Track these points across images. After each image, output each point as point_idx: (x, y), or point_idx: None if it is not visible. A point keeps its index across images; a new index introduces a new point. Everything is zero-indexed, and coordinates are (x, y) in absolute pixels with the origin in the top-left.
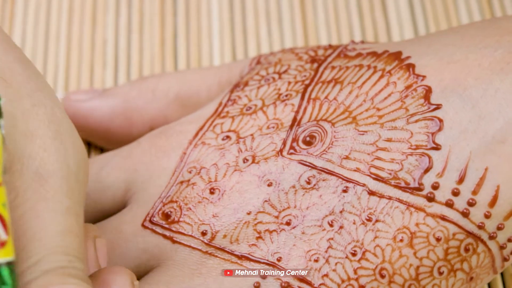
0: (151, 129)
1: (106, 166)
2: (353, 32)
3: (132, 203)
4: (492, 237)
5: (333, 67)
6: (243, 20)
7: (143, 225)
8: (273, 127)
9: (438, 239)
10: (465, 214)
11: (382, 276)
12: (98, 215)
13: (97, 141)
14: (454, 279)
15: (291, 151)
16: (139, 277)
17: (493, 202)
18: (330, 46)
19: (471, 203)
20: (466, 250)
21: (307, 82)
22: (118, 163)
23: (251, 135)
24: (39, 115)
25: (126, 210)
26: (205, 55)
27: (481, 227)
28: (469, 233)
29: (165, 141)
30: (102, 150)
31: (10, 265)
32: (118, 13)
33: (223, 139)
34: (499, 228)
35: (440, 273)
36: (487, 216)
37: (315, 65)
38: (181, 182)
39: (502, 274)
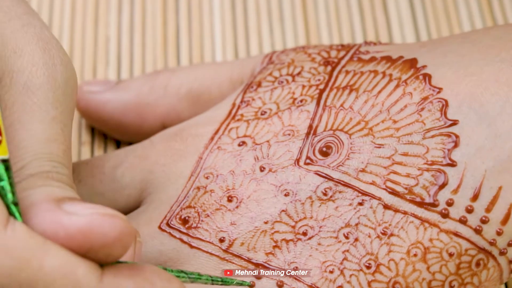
0: (163, 125)
1: (120, 166)
2: (354, 31)
3: (148, 204)
4: (502, 253)
5: (347, 72)
6: (245, 19)
7: (160, 228)
8: (289, 134)
9: (451, 255)
10: (478, 231)
11: None
12: None
13: (110, 132)
14: None
15: (308, 161)
16: None
17: (505, 220)
18: (343, 47)
19: (484, 221)
20: (477, 265)
21: (321, 86)
22: (133, 163)
23: (267, 141)
24: (28, 34)
25: (141, 210)
26: (207, 53)
27: (492, 243)
28: (481, 249)
29: (180, 144)
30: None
31: (5, 162)
32: (120, 11)
33: (239, 145)
34: (510, 245)
35: (451, 287)
36: (499, 233)
37: (329, 68)
38: (198, 188)
39: None
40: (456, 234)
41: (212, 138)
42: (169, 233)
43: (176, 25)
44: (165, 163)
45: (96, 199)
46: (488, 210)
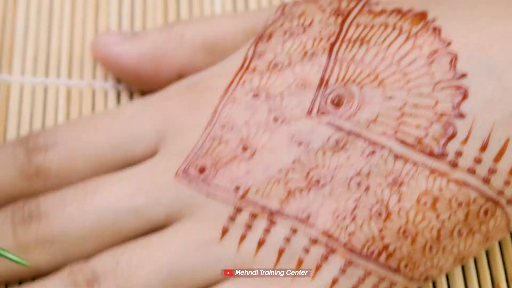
0: (179, 76)
1: (137, 116)
2: None
3: (164, 153)
4: (510, 202)
5: (358, 24)
6: (246, 7)
7: (177, 176)
8: (301, 86)
9: (459, 204)
10: (486, 181)
11: (405, 237)
12: (130, 162)
13: (128, 82)
14: (472, 240)
15: (320, 112)
16: (169, 225)
17: None
18: None
19: (492, 171)
20: (485, 214)
21: (332, 39)
22: (150, 114)
23: (280, 93)
24: None
25: (157, 159)
26: None
27: (500, 193)
28: (489, 199)
29: (196, 96)
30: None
31: None
32: (121, 0)
33: (253, 97)
34: None
35: (460, 235)
36: (507, 183)
37: (339, 19)
38: (214, 138)
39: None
40: (465, 184)
41: (226, 90)
42: (186, 181)
43: (177, 14)
44: (181, 114)
45: (114, 147)
46: (496, 160)
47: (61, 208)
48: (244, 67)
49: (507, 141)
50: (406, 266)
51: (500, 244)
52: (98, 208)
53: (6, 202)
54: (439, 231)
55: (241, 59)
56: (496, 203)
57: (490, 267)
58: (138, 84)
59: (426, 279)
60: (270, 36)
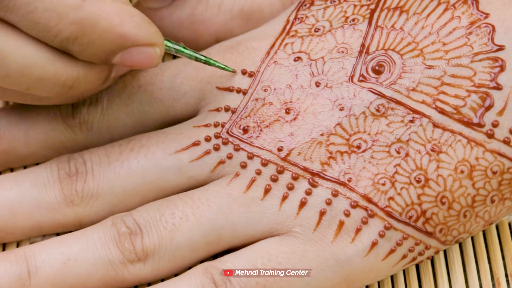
0: (217, 41)
1: (179, 75)
2: None
3: (206, 113)
4: None
5: None
6: None
7: (220, 136)
8: (342, 52)
9: (494, 173)
10: None
11: (443, 203)
12: (170, 119)
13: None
14: (502, 206)
15: (361, 78)
16: (211, 182)
17: None
18: None
19: None
20: None
21: (372, 6)
22: (192, 73)
23: (322, 58)
24: None
25: (200, 118)
26: None
27: None
28: None
29: (237, 57)
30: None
31: None
32: None
33: (294, 60)
34: None
35: (492, 201)
36: None
37: None
38: (257, 99)
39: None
40: (500, 154)
41: (268, 53)
42: (231, 142)
43: None
44: (222, 75)
45: (156, 105)
46: None
47: (106, 165)
48: (286, 31)
49: None
50: (441, 230)
51: (500, 239)
52: (143, 165)
53: (50, 153)
54: (473, 198)
55: (283, 23)
56: None
57: (490, 262)
58: None
59: (457, 242)
60: (312, 3)
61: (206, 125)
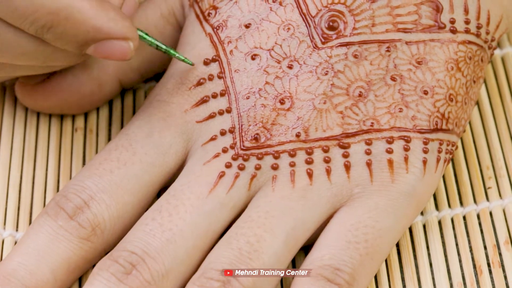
0: (120, 80)
1: (153, 133)
2: None
3: (201, 148)
4: (489, 47)
5: None
6: None
7: (237, 154)
8: (289, 29)
9: (470, 58)
10: (478, 35)
11: (451, 100)
12: (166, 179)
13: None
14: (479, 84)
15: (323, 40)
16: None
17: (488, 22)
18: None
19: (478, 26)
20: (482, 60)
21: None
22: (163, 125)
23: (275, 43)
24: None
25: (201, 154)
26: None
27: (486, 41)
28: (481, 47)
29: (202, 88)
30: None
31: None
32: None
33: (252, 59)
34: (493, 39)
35: (474, 82)
36: (488, 32)
37: None
38: (248, 109)
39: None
40: (468, 42)
41: (222, 67)
42: (250, 155)
43: None
44: (193, 109)
45: (151, 171)
46: (477, 18)
47: (159, 243)
48: (219, 41)
49: (478, 1)
50: (456, 124)
51: (481, 228)
52: (191, 220)
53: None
54: (465, 85)
55: (206, 38)
56: (484, 50)
57: (472, 251)
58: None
59: (464, 132)
60: (214, 7)
61: (216, 156)
